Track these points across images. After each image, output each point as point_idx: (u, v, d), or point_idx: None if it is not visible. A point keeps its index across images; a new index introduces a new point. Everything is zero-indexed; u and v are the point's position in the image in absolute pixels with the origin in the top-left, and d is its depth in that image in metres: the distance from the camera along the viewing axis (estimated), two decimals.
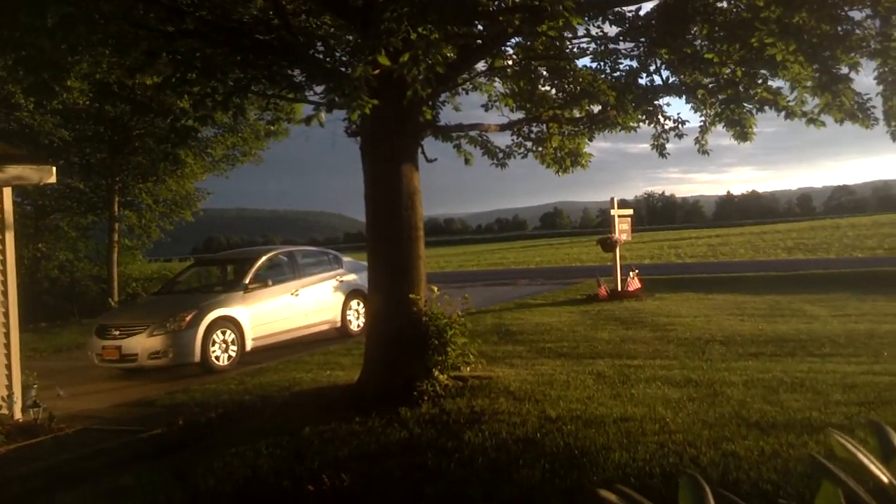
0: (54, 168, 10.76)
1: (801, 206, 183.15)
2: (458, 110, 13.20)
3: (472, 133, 11.43)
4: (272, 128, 21.54)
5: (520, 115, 12.62)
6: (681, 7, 9.51)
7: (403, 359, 9.74)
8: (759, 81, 10.07)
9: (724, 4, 9.51)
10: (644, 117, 11.96)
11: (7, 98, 17.71)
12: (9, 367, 10.28)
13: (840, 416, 7.59)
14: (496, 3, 8.28)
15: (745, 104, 10.64)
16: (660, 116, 11.56)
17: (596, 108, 11.98)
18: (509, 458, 7.08)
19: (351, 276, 16.65)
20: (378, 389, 9.64)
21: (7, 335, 10.35)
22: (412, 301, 9.88)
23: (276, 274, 15.11)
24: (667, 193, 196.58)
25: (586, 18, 10.02)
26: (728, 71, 10.11)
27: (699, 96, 11.72)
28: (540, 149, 12.67)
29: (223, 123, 10.82)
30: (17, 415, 10.00)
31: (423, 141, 10.37)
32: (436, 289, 10.29)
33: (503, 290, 23.67)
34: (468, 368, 10.17)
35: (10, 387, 10.14)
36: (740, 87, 10.25)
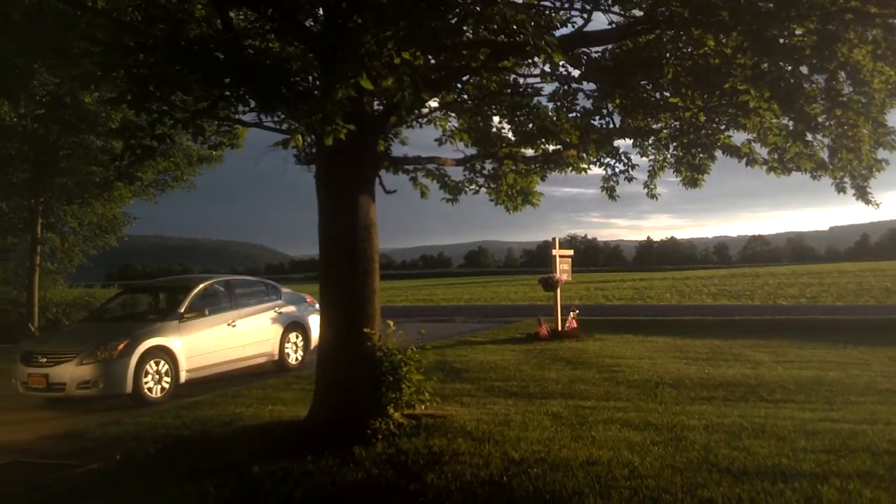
0: None
1: (718, 253, 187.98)
2: (405, 144, 12.99)
3: (430, 166, 11.20)
4: (214, 153, 20.99)
5: (473, 151, 12.48)
6: (649, 50, 9.51)
7: (356, 395, 9.35)
8: (723, 128, 10.12)
9: (691, 50, 9.53)
10: (604, 158, 11.96)
11: None
12: None
13: (810, 463, 7.51)
14: (470, 34, 8.09)
15: (705, 151, 10.70)
16: (622, 158, 11.52)
17: (552, 148, 11.92)
18: (477, 503, 6.80)
19: (290, 308, 16.19)
20: (329, 426, 9.23)
21: None
22: (366, 335, 9.52)
23: (212, 303, 14.52)
24: (589, 237, 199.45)
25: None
26: (690, 116, 10.13)
27: (654, 140, 11.79)
28: (493, 185, 12.52)
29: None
30: None
31: (380, 172, 10.10)
32: (391, 324, 9.96)
33: (440, 326, 23.37)
34: (423, 406, 9.84)
35: None
36: (703, 132, 10.28)
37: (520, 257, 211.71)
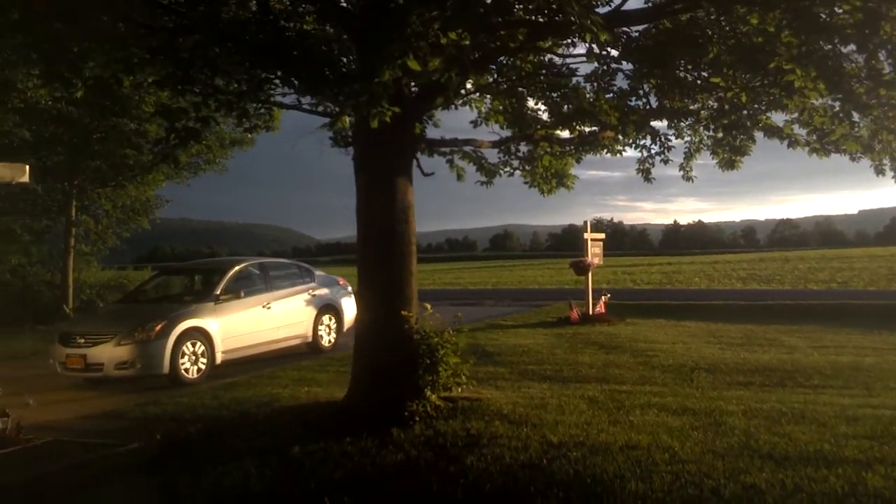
0: (27, 167, 10.27)
1: (746, 237, 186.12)
2: (437, 126, 12.94)
3: (467, 149, 11.16)
4: (248, 136, 21.09)
5: (507, 133, 12.42)
6: (690, 28, 9.38)
7: (393, 377, 9.39)
8: (764, 108, 9.98)
9: (733, 29, 9.39)
10: (641, 140, 11.88)
11: None
12: None
13: (853, 449, 7.43)
14: (518, 11, 7.99)
15: (745, 132, 10.58)
16: (661, 139, 11.42)
17: (588, 129, 11.84)
18: (518, 486, 6.78)
19: (323, 291, 16.26)
20: (366, 408, 9.27)
21: None
22: (404, 318, 9.54)
23: (247, 285, 14.62)
24: (615, 220, 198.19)
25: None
26: (731, 96, 10.00)
27: (691, 122, 11.69)
28: (528, 167, 12.48)
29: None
30: None
31: (418, 154, 10.08)
32: (429, 306, 9.96)
33: (470, 309, 23.23)
34: (459, 389, 9.85)
35: None
36: (744, 113, 10.16)
37: (545, 241, 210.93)
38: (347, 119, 6.46)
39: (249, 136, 20.95)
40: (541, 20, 8.61)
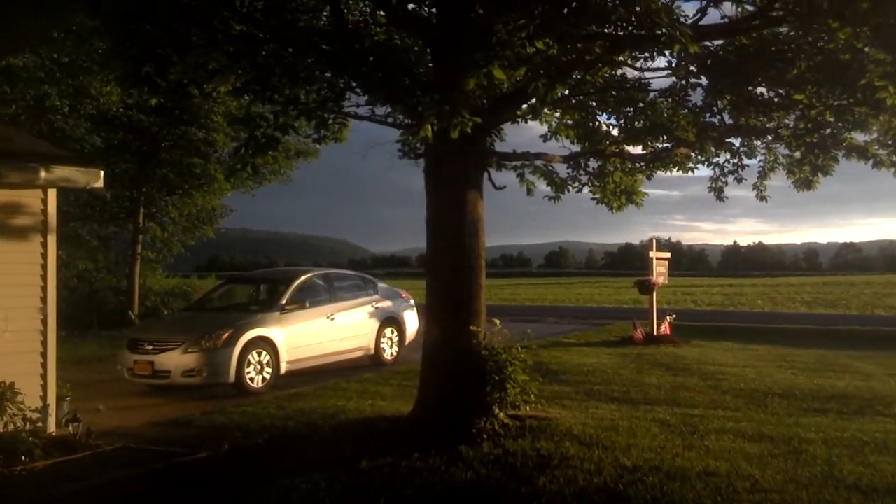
0: (101, 172, 10.33)
1: (808, 260, 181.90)
2: (503, 140, 12.80)
3: (538, 163, 11.01)
4: (316, 147, 21.22)
5: (577, 147, 12.25)
6: (774, 44, 9.12)
7: (461, 393, 9.26)
8: (849, 127, 9.66)
9: (821, 45, 9.09)
10: (714, 158, 11.63)
11: (41, 100, 17.33)
12: (44, 377, 9.78)
13: None
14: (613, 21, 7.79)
15: (827, 151, 10.26)
16: (740, 156, 11.14)
17: (661, 145, 11.62)
18: None
19: (386, 303, 16.21)
20: (433, 424, 9.15)
21: (44, 343, 9.86)
22: (472, 333, 9.42)
23: (312, 296, 14.63)
24: (672, 240, 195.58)
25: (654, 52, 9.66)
26: (816, 114, 9.69)
27: (767, 140, 11.39)
28: (597, 183, 12.27)
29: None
30: (51, 428, 9.49)
31: (489, 167, 9.96)
32: (497, 322, 9.81)
33: (531, 326, 22.83)
34: (527, 408, 9.67)
35: (44, 398, 9.63)
36: (827, 132, 9.84)
37: (601, 259, 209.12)
38: (430, 128, 6.33)
39: (317, 146, 21.07)
40: (620, 33, 8.45)
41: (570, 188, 12.21)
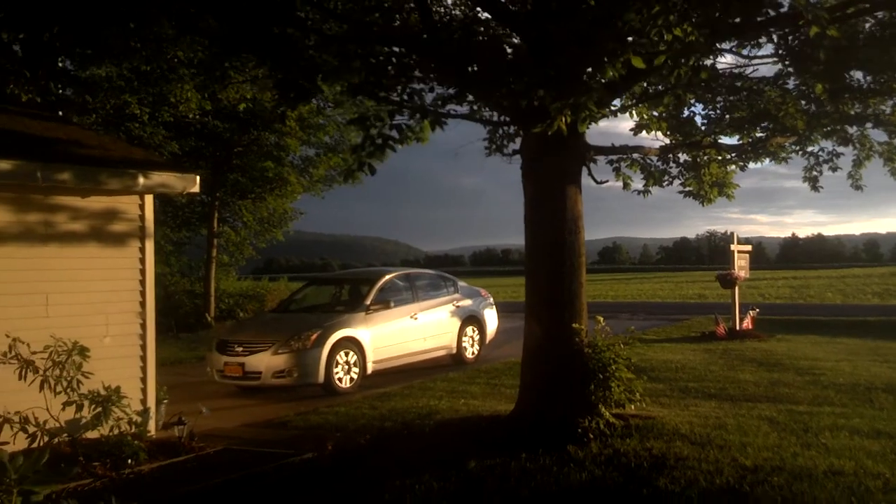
0: (197, 177, 10.39)
1: (868, 251, 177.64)
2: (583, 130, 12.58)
3: (635, 156, 10.79)
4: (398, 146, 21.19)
5: (666, 140, 11.98)
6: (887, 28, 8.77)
7: (564, 392, 9.08)
8: None
9: None
10: (808, 147, 11.31)
11: (121, 108, 17.59)
12: (144, 380, 9.88)
13: None
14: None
15: None
16: (854, 143, 10.79)
17: (758, 135, 11.33)
18: None
19: (467, 302, 16.11)
20: (536, 423, 9.00)
21: (144, 347, 9.98)
22: (574, 331, 9.24)
23: (395, 296, 14.60)
24: (728, 233, 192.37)
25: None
26: None
27: (880, 123, 11.04)
28: (690, 175, 11.99)
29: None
30: (152, 431, 9.54)
31: (588, 162, 9.77)
32: (601, 319, 9.62)
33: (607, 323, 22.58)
34: (632, 406, 9.46)
35: (144, 401, 9.71)
36: None
37: (656, 254, 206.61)
38: (563, 120, 6.17)
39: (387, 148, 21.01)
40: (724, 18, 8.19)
41: (662, 182, 12.00)
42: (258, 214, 24.29)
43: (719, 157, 11.78)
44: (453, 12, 10.29)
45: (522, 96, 6.77)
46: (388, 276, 14.91)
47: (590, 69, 7.06)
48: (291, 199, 24.13)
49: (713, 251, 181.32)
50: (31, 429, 8.14)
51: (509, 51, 8.87)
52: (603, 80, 5.80)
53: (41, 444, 8.17)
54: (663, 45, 5.75)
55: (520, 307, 26.25)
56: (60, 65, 16.92)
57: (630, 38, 5.72)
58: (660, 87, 11.00)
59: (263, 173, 22.25)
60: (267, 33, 6.32)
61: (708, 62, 10.30)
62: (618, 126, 12.66)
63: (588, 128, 6.45)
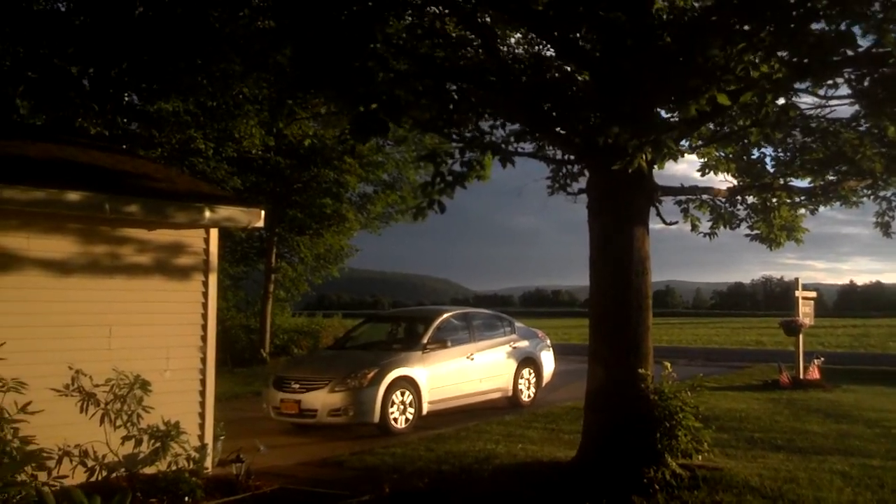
0: (262, 212, 10.42)
1: None
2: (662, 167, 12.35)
3: (704, 197, 10.56)
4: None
5: (733, 182, 11.73)
6: None
7: (629, 440, 8.80)
8: None
9: None
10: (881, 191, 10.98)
11: (187, 143, 17.85)
12: (202, 415, 9.83)
13: None
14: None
15: None
16: None
17: (831, 178, 11.02)
18: None
19: (523, 343, 15.86)
20: (599, 471, 8.73)
21: (203, 381, 9.95)
22: (640, 376, 8.99)
23: (452, 335, 14.41)
24: (784, 279, 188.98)
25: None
26: None
27: None
28: (759, 218, 11.70)
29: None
30: (208, 467, 9.46)
31: (657, 202, 9.57)
32: (668, 365, 9.36)
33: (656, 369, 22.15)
34: (699, 457, 9.13)
35: (202, 437, 9.65)
36: None
37: (709, 298, 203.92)
38: (644, 158, 6.03)
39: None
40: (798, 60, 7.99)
41: (728, 224, 11.73)
42: (315, 250, 24.40)
43: (788, 200, 11.47)
44: (516, 51, 10.30)
45: (598, 133, 6.64)
46: (445, 315, 14.76)
47: (666, 106, 6.91)
48: (348, 235, 24.24)
49: (768, 297, 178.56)
50: (90, 462, 8.12)
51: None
52: (681, 117, 5.64)
53: (99, 478, 8.15)
54: (737, 84, 5.58)
55: (572, 349, 26.15)
56: (127, 99, 17.32)
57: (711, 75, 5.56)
58: (737, 125, 10.77)
59: (322, 209, 22.40)
60: (345, 67, 6.29)
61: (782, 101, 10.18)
62: (670, 167, 12.40)
63: (664, 166, 6.26)
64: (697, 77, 5.59)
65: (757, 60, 5.54)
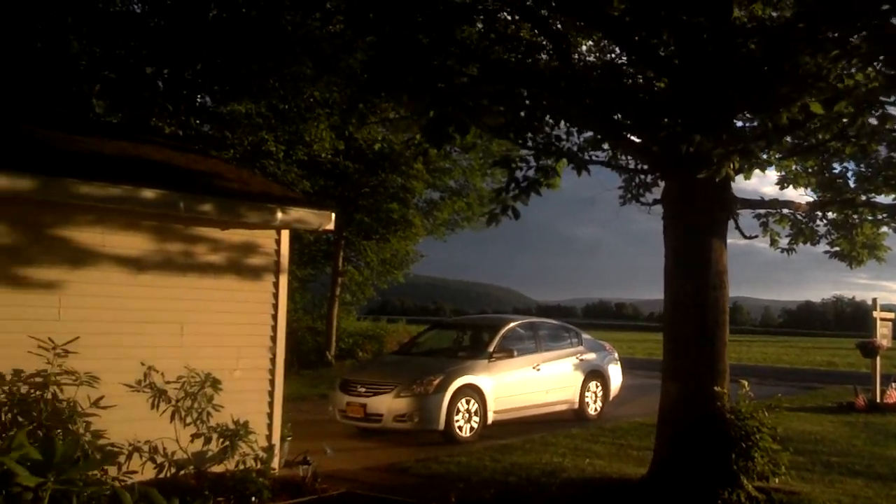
0: (333, 214, 10.40)
1: None
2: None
3: (785, 211, 10.25)
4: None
5: (812, 196, 11.37)
6: None
7: (703, 460, 8.57)
8: None
9: None
10: None
11: (258, 145, 18.06)
12: (270, 416, 9.82)
13: None
14: None
15: None
16: None
17: None
18: None
19: (591, 355, 15.60)
20: (671, 491, 8.50)
21: (272, 382, 9.95)
22: (716, 394, 8.74)
23: (518, 344, 14.25)
24: (857, 299, 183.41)
25: None
26: None
27: None
28: (839, 234, 11.31)
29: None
30: (275, 467, 9.45)
31: (734, 215, 9.30)
32: (745, 384, 9.08)
33: (733, 387, 21.62)
34: (776, 480, 8.82)
35: (270, 437, 9.64)
36: None
37: (778, 316, 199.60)
38: (731, 167, 5.84)
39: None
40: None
41: (808, 241, 11.37)
42: (381, 255, 24.49)
43: (871, 217, 11.07)
44: (587, 58, 10.12)
45: (680, 141, 6.45)
46: (511, 324, 14.61)
47: (750, 114, 6.68)
48: (414, 241, 24.27)
49: (839, 317, 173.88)
50: (160, 459, 8.15)
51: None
52: (773, 125, 5.42)
53: (168, 474, 8.18)
54: (830, 92, 5.34)
55: (638, 364, 25.69)
56: (200, 100, 17.58)
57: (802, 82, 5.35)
58: (816, 137, 10.42)
59: (389, 214, 22.46)
60: (423, 67, 6.22)
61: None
62: (739, 181, 12.00)
63: (750, 176, 6.04)
64: (787, 85, 5.37)
65: (853, 70, 5.31)
